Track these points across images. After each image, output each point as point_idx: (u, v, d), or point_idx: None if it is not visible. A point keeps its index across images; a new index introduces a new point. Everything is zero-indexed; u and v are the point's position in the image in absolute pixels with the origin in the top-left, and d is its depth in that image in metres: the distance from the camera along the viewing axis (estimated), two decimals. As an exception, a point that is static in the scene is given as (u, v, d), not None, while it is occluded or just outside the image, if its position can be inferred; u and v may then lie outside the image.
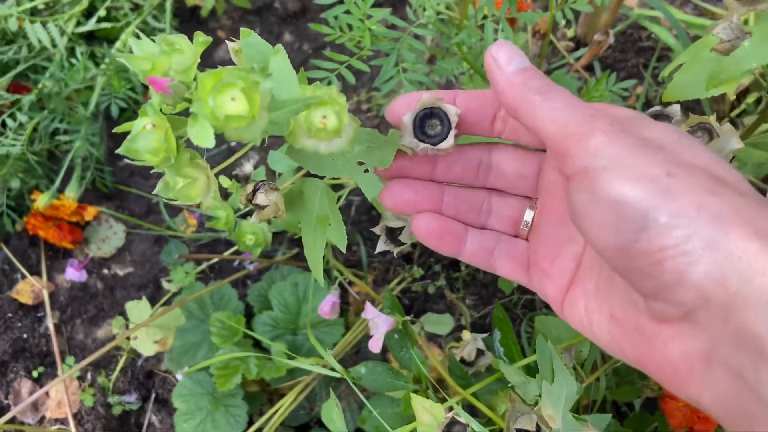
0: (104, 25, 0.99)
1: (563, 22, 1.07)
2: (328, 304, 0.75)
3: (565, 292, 0.35)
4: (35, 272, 0.99)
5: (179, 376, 0.90)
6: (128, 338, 0.89)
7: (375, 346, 0.61)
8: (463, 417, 0.48)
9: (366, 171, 0.37)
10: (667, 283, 0.26)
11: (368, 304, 0.62)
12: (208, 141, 0.27)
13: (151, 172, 0.32)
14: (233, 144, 1.01)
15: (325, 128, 0.31)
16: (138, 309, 0.88)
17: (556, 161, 0.34)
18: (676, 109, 0.43)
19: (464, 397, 0.57)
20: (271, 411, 0.80)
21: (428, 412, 0.49)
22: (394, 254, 0.46)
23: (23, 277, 0.98)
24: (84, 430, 0.90)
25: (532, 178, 0.37)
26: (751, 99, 0.92)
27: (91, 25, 0.99)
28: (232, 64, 0.39)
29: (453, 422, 0.48)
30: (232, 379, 0.79)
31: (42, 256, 0.99)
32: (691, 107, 0.93)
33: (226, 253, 0.94)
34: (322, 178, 0.39)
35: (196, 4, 1.10)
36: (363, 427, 0.67)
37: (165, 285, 0.96)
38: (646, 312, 0.28)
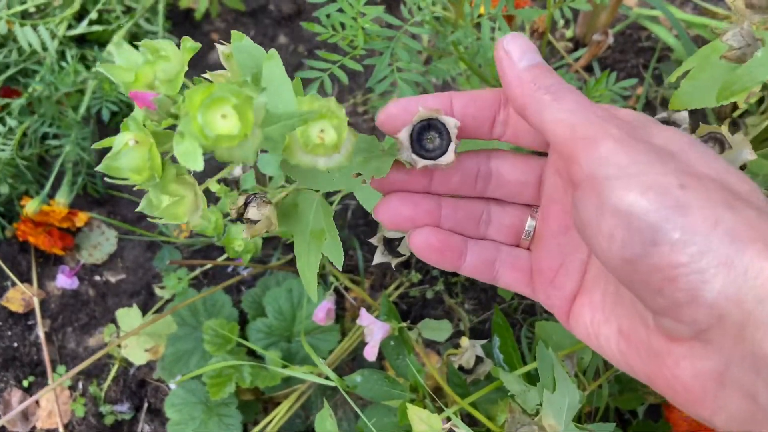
0: (96, 28, 0.98)
1: (562, 22, 1.06)
2: (322, 311, 0.73)
3: (571, 303, 0.34)
4: (26, 279, 0.97)
5: (172, 385, 0.89)
6: (119, 346, 0.88)
7: (370, 353, 0.59)
8: (461, 427, 0.46)
9: (363, 182, 0.35)
10: (679, 301, 0.24)
11: (363, 311, 0.60)
12: (196, 163, 0.24)
13: (134, 188, 0.30)
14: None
15: (324, 143, 0.29)
16: (129, 317, 0.86)
17: (562, 165, 0.32)
18: (684, 116, 0.41)
19: (462, 407, 0.55)
20: (265, 420, 0.79)
21: (424, 422, 0.47)
22: (392, 266, 0.44)
23: (13, 284, 0.96)
24: (75, 441, 0.89)
25: (533, 186, 0.36)
26: (753, 99, 0.91)
27: (82, 28, 0.97)
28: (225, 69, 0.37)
29: (450, 433, 0.46)
30: (226, 387, 0.77)
31: (32, 263, 0.97)
32: (692, 109, 0.91)
33: (220, 259, 0.93)
34: (317, 190, 0.38)
35: (190, 6, 1.09)
36: (359, 437, 0.65)
37: (158, 292, 0.94)
38: (655, 328, 0.27)
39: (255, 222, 0.36)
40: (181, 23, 1.10)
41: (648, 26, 1.01)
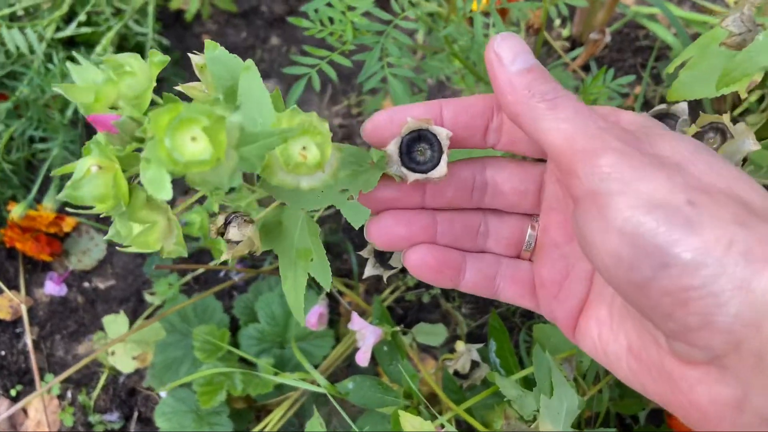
0: (84, 30, 0.96)
1: (558, 21, 1.04)
2: (314, 315, 0.71)
3: (576, 317, 0.32)
4: (13, 286, 0.95)
5: (162, 394, 0.86)
6: (109, 354, 0.86)
7: (362, 359, 0.57)
8: (455, 435, 0.44)
9: (350, 198, 0.33)
10: (692, 325, 0.23)
11: (355, 315, 0.58)
12: (164, 190, 0.22)
13: (100, 216, 0.28)
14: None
15: (306, 162, 0.27)
16: (116, 324, 0.84)
17: (561, 178, 0.30)
18: (682, 107, 0.40)
19: (457, 413, 0.53)
20: (258, 428, 0.77)
21: (417, 430, 0.45)
22: (384, 279, 0.42)
23: (0, 291, 0.94)
24: (63, 452, 0.86)
25: (532, 194, 0.34)
26: (753, 97, 0.89)
27: (71, 30, 0.96)
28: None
29: (444, 441, 0.44)
30: (216, 396, 0.75)
31: (20, 270, 0.95)
32: (690, 105, 0.89)
33: (212, 264, 0.91)
34: None
35: (180, 8, 1.07)
36: (352, 445, 0.63)
37: (148, 298, 0.92)
38: (668, 349, 0.25)
39: (236, 242, 0.34)
40: (171, 25, 1.08)
41: (646, 24, 1.00)
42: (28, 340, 0.92)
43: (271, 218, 0.36)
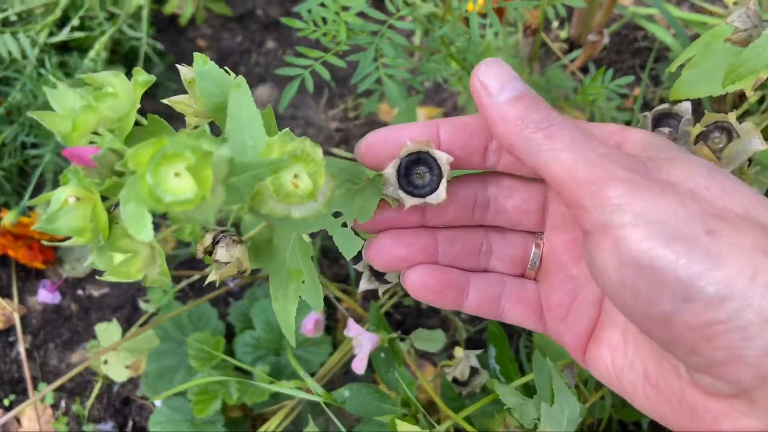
0: (78, 34, 0.95)
1: (556, 23, 1.03)
2: (310, 322, 0.70)
3: (586, 341, 0.31)
4: (6, 294, 0.94)
5: (157, 403, 0.85)
6: (102, 362, 0.84)
7: (359, 366, 0.56)
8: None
9: (344, 225, 0.31)
10: (719, 359, 0.22)
11: (351, 321, 0.57)
12: (144, 231, 0.21)
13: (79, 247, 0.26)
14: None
15: (298, 192, 0.25)
16: (108, 332, 0.83)
17: (566, 208, 0.29)
18: (686, 107, 0.39)
19: (456, 422, 0.52)
20: (253, 438, 0.75)
21: (415, 439, 0.44)
22: (380, 294, 0.41)
23: (-7, 299, 0.93)
24: (56, 462, 0.85)
25: (536, 212, 0.32)
26: (754, 98, 0.88)
27: (64, 35, 0.95)
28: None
29: (442, 451, 0.43)
30: (211, 404, 0.74)
31: (13, 278, 0.94)
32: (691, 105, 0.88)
33: (207, 270, 0.89)
34: None
35: (175, 12, 1.06)
36: (349, 455, 0.62)
37: (142, 305, 0.91)
38: (689, 381, 0.24)
39: (225, 263, 0.33)
40: (165, 29, 1.07)
41: (644, 25, 0.99)
42: (21, 348, 0.91)
43: (262, 236, 0.34)
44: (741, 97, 0.87)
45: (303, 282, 0.33)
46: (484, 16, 0.65)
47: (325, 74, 0.53)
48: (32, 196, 0.91)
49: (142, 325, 0.89)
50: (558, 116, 0.26)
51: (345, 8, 0.53)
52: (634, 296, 0.23)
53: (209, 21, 1.09)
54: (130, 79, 0.26)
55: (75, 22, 0.95)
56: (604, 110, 0.71)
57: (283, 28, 1.08)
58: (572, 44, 1.00)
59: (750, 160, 0.37)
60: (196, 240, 0.53)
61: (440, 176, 0.30)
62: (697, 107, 0.89)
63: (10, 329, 0.93)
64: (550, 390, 0.45)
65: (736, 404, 0.23)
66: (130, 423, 0.87)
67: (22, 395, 0.89)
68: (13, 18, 0.96)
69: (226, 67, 0.29)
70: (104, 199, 0.25)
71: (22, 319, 0.93)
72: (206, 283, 0.34)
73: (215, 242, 0.33)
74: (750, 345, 0.21)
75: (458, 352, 0.59)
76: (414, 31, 0.98)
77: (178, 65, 0.32)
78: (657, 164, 0.25)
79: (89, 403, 0.87)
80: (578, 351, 0.31)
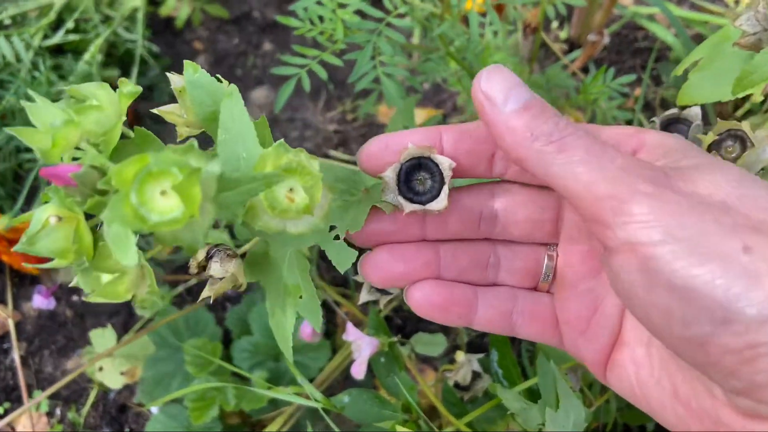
0: (72, 37, 0.94)
1: (556, 23, 1.02)
2: (309, 327, 0.69)
3: (607, 356, 0.29)
4: (0, 300, 0.92)
5: (154, 410, 0.84)
6: (97, 369, 0.83)
7: (358, 371, 0.55)
8: (456, 452, 0.42)
9: (336, 237, 0.30)
10: (759, 383, 0.21)
11: (349, 325, 0.56)
12: (128, 254, 0.20)
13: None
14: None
15: (293, 207, 0.24)
16: (103, 338, 0.82)
17: (585, 224, 0.27)
18: (695, 112, 0.37)
19: (458, 428, 0.51)
20: (251, 445, 0.74)
21: (416, 447, 0.43)
22: (381, 305, 0.39)
23: (-13, 306, 0.92)
24: (51, 471, 0.84)
25: (549, 223, 0.30)
26: (757, 98, 0.87)
27: (58, 38, 0.94)
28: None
29: (444, 458, 0.42)
30: (209, 411, 0.73)
31: (7, 283, 0.93)
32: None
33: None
34: None
35: (171, 14, 1.06)
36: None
37: (138, 311, 0.90)
38: (725, 401, 0.23)
39: (219, 279, 0.31)
40: (161, 32, 1.06)
41: (645, 25, 0.98)
42: (16, 355, 0.90)
43: (258, 250, 0.33)
44: (743, 96, 0.86)
45: (301, 297, 0.31)
46: (483, 14, 0.64)
47: (323, 74, 0.52)
48: (26, 201, 0.90)
49: (138, 331, 0.88)
50: (568, 124, 0.25)
51: (342, 5, 0.52)
52: (666, 317, 0.22)
53: (206, 23, 1.08)
54: (126, 79, 0.25)
55: (70, 24, 0.94)
56: (606, 110, 0.70)
57: (280, 29, 1.07)
58: (572, 44, 1.00)
59: (764, 169, 0.36)
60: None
61: (442, 182, 0.29)
62: (700, 107, 0.88)
63: (4, 336, 0.91)
64: (554, 394, 0.44)
65: None
66: (127, 430, 0.86)
67: (17, 403, 0.88)
68: (8, 21, 0.95)
69: (218, 75, 0.28)
70: (90, 216, 0.23)
71: (17, 325, 0.92)
72: (201, 299, 0.32)
73: (209, 257, 0.31)
74: None
75: (460, 356, 0.58)
76: (412, 31, 0.97)
77: (168, 73, 0.30)
78: (681, 174, 0.24)
79: (85, 410, 0.86)
80: (599, 366, 0.29)
